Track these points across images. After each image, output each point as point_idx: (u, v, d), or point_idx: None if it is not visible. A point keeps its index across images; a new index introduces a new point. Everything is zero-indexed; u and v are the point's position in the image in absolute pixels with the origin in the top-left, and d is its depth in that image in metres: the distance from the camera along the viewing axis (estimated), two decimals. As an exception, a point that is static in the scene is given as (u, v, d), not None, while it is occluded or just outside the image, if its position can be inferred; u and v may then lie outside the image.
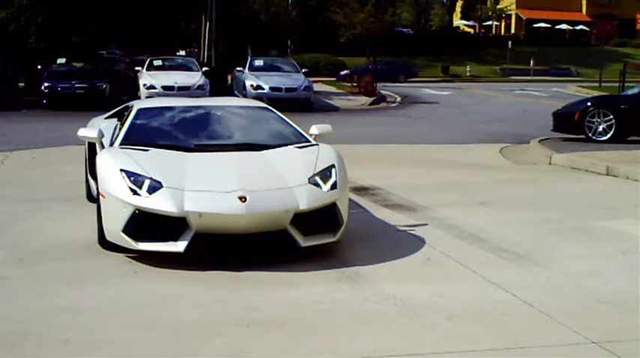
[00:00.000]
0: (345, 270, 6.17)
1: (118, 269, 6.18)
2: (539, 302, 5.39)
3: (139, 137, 7.39)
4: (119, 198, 6.28)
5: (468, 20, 75.29)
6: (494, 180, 10.92)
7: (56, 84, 23.09)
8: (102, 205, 6.53)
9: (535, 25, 67.49)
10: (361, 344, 4.64)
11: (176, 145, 7.22)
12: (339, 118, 21.13)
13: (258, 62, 26.51)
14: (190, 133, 7.61)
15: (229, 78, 28.96)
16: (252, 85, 23.83)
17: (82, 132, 7.88)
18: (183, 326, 4.93)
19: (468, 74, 50.64)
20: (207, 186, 6.34)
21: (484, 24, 71.92)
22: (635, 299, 5.48)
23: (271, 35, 46.76)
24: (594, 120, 14.81)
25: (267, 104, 9.24)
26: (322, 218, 6.48)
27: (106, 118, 9.25)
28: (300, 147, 7.36)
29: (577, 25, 67.65)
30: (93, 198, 7.91)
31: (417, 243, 7.13)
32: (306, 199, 6.39)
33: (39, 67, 25.70)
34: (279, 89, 23.62)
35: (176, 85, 23.33)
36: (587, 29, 66.09)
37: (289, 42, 49.22)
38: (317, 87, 29.03)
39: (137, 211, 6.17)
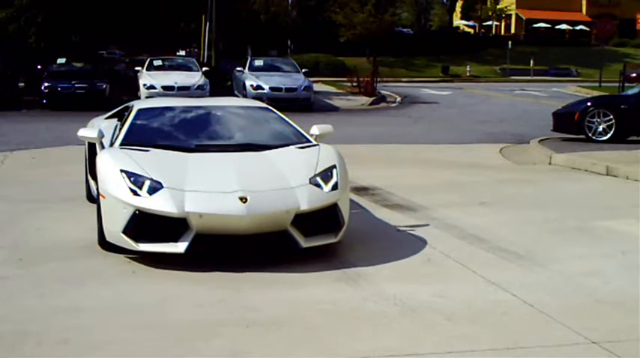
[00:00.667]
0: (345, 270, 6.17)
1: (117, 269, 6.18)
2: (539, 302, 5.39)
3: (139, 137, 7.36)
4: (119, 199, 6.26)
5: (468, 20, 75.26)
6: (494, 180, 10.92)
7: (56, 84, 23.07)
8: (102, 206, 6.51)
9: (535, 25, 67.45)
10: (361, 344, 4.64)
11: (176, 145, 7.20)
12: (339, 118, 21.12)
13: (258, 62, 26.50)
14: (191, 133, 7.59)
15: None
16: (252, 85, 23.83)
17: (82, 132, 7.86)
18: (183, 326, 4.93)
19: (467, 74, 50.59)
20: (208, 187, 6.32)
21: (484, 24, 71.90)
22: (635, 299, 5.48)
23: (271, 35, 46.76)
24: (594, 120, 14.82)
25: (267, 104, 9.23)
26: (323, 218, 6.46)
27: (106, 118, 9.23)
28: (301, 148, 7.35)
29: (577, 25, 67.61)
30: (93, 198, 7.88)
31: (417, 243, 7.13)
32: (307, 200, 6.37)
33: (39, 67, 25.69)
34: (279, 89, 23.61)
35: (176, 85, 23.32)
36: (587, 29, 66.06)
37: (289, 42, 49.22)
38: (317, 87, 29.02)
39: (137, 212, 6.15)
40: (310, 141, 7.56)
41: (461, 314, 5.19)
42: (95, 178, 7.10)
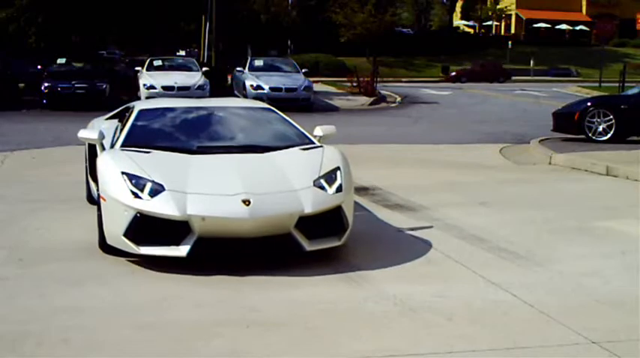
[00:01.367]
0: (345, 270, 6.17)
1: (117, 269, 6.17)
2: (540, 302, 5.39)
3: (140, 139, 7.26)
4: (120, 202, 6.17)
5: (468, 20, 75.31)
6: (494, 180, 10.92)
7: (56, 84, 23.07)
8: (102, 208, 6.42)
9: (535, 25, 67.50)
10: (361, 344, 4.64)
11: (178, 147, 7.11)
12: (339, 118, 21.12)
13: (258, 62, 26.50)
14: (192, 135, 7.49)
15: (229, 78, 28.95)
16: (252, 85, 23.83)
17: (83, 133, 7.76)
18: (183, 326, 4.93)
19: (467, 74, 50.60)
20: (211, 189, 6.24)
21: (484, 24, 71.95)
22: (635, 299, 5.48)
23: (271, 35, 46.78)
24: (594, 120, 14.81)
25: (268, 104, 9.19)
26: (327, 221, 6.37)
27: (107, 119, 9.13)
28: (304, 149, 7.25)
29: (577, 25, 67.66)
30: (93, 199, 7.80)
31: (417, 243, 7.13)
32: (311, 202, 6.28)
33: (39, 67, 25.69)
34: (279, 89, 23.61)
35: (176, 85, 23.31)
36: (587, 29, 66.10)
37: (289, 42, 49.24)
38: (317, 87, 29.03)
39: (139, 215, 6.06)
40: (314, 143, 7.48)
41: (461, 314, 5.19)
42: (95, 180, 7.02)
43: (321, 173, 6.63)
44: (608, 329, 4.91)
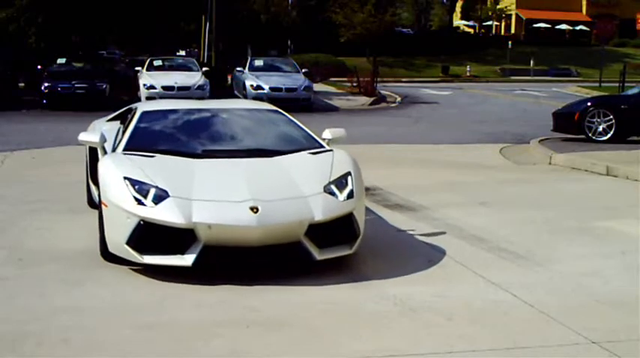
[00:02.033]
0: (345, 271, 6.16)
1: (117, 269, 6.16)
2: (540, 303, 5.39)
3: (143, 142, 7.03)
4: (123, 208, 5.95)
5: (468, 20, 75.28)
6: (494, 180, 10.92)
7: (56, 84, 23.06)
8: (104, 215, 6.20)
9: (535, 25, 67.46)
10: (361, 345, 4.64)
11: (183, 151, 6.89)
12: (339, 118, 21.13)
13: (258, 62, 26.50)
14: (197, 138, 7.25)
15: (229, 78, 28.96)
16: (252, 85, 23.83)
17: (83, 136, 7.50)
18: (183, 326, 4.93)
19: (467, 74, 50.60)
20: (217, 196, 6.03)
21: (484, 24, 71.93)
22: (635, 299, 5.48)
23: (271, 35, 46.74)
24: (594, 120, 14.82)
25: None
26: (338, 229, 6.14)
27: (108, 121, 8.94)
28: (313, 153, 7.01)
29: (577, 25, 67.62)
30: (94, 204, 7.61)
31: (417, 243, 7.13)
32: (322, 209, 6.05)
33: (39, 67, 25.69)
34: (279, 89, 23.60)
35: (176, 85, 23.30)
36: (587, 29, 66.06)
37: (289, 42, 49.21)
38: (317, 87, 29.02)
39: (142, 222, 5.85)
40: (323, 146, 7.26)
41: (461, 314, 5.19)
42: (97, 183, 6.80)
43: (332, 178, 6.42)
44: (608, 329, 4.91)
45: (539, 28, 67.05)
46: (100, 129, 8.14)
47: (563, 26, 67.26)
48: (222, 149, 7.06)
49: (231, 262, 5.96)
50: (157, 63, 26.06)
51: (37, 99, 23.17)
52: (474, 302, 5.44)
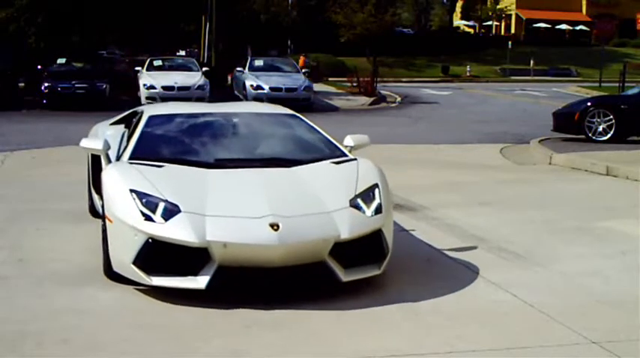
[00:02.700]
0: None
1: (118, 269, 6.17)
2: (540, 302, 5.39)
3: (150, 150, 6.44)
4: (129, 224, 5.39)
5: (468, 20, 75.28)
6: (494, 180, 10.92)
7: (56, 84, 23.06)
8: (108, 230, 5.63)
9: (535, 25, 67.45)
10: (362, 345, 4.64)
11: (194, 160, 6.30)
12: (339, 118, 21.13)
13: (258, 62, 26.51)
14: (210, 146, 6.64)
15: (229, 78, 28.96)
16: (252, 85, 23.84)
17: (85, 142, 6.86)
18: (183, 326, 4.93)
19: (467, 74, 50.60)
20: (233, 211, 5.47)
21: (484, 24, 71.93)
22: (635, 299, 5.48)
23: (271, 35, 46.74)
24: (594, 120, 14.82)
25: None
26: (366, 247, 5.59)
27: (112, 124, 8.30)
28: (336, 163, 6.42)
29: (577, 25, 67.62)
30: (96, 212, 7.19)
31: (417, 243, 7.13)
32: (348, 226, 5.49)
33: (39, 67, 25.69)
34: (279, 89, 23.61)
35: (176, 85, 23.30)
36: (587, 29, 66.06)
37: (289, 42, 49.22)
38: (317, 87, 29.01)
39: (150, 240, 5.30)
40: (346, 154, 6.68)
41: (461, 314, 5.19)
42: (100, 193, 6.22)
43: (358, 191, 5.85)
44: (608, 329, 4.91)
45: (539, 28, 67.05)
46: (103, 134, 7.64)
47: (563, 26, 67.27)
48: (237, 158, 6.50)
49: (248, 284, 5.42)
50: (157, 63, 26.06)
51: (37, 99, 23.16)
52: (474, 302, 5.44)
